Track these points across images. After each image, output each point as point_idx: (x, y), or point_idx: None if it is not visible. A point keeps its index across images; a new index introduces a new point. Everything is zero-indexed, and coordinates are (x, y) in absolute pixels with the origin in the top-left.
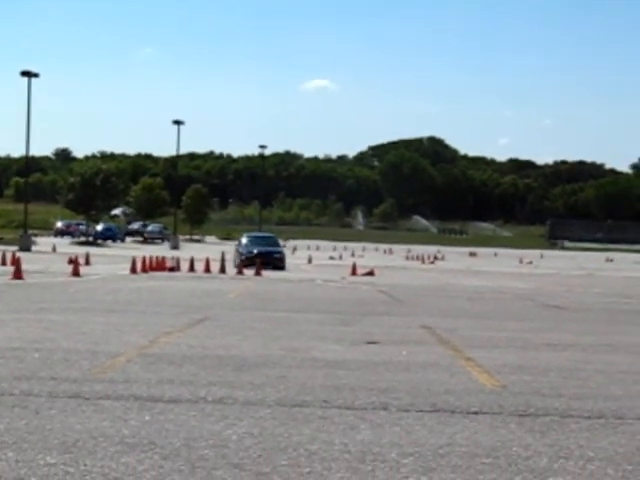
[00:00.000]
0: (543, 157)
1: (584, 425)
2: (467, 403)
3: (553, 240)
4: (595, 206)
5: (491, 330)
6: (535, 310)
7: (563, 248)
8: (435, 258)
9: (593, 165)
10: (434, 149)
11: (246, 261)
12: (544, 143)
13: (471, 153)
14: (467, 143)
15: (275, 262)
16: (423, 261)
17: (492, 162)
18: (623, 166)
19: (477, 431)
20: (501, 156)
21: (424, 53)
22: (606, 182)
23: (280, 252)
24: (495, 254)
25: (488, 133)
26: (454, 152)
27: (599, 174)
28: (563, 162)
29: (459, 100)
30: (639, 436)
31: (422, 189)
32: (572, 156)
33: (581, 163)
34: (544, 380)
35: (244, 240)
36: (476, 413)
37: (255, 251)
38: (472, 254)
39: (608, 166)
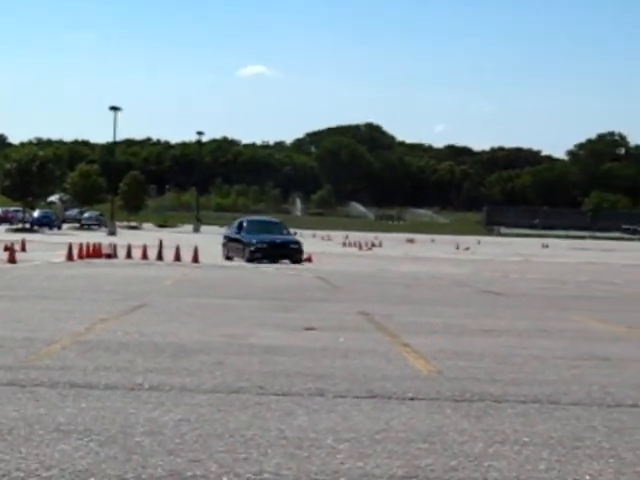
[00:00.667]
0: (480, 144)
1: (519, 410)
2: (403, 389)
3: (490, 226)
4: (531, 192)
5: (428, 316)
6: (471, 296)
7: (500, 234)
8: (373, 244)
9: (530, 152)
10: (371, 135)
11: (257, 253)
12: (481, 130)
13: (408, 140)
14: (404, 130)
15: (292, 254)
16: (361, 247)
17: (429, 149)
18: (559, 153)
19: (413, 417)
20: (438, 143)
21: (361, 39)
22: (542, 169)
23: (298, 242)
24: (432, 240)
25: (425, 120)
26: (391, 138)
27: (535, 161)
28: (500, 149)
29: (396, 86)
30: (574, 420)
31: (359, 175)
32: (509, 143)
33: (518, 150)
34: (480, 366)
35: (245, 225)
36: (412, 399)
37: (267, 241)
38: (409, 240)
39: (544, 153)
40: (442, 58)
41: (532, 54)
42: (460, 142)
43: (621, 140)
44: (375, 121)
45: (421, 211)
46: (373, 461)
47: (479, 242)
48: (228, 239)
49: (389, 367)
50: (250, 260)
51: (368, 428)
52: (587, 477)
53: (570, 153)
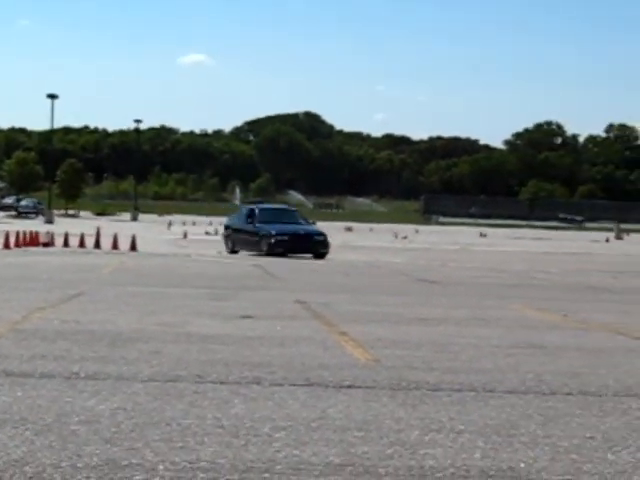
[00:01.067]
0: (418, 133)
1: (455, 398)
2: (340, 377)
3: (428, 215)
4: (469, 181)
5: (366, 305)
6: (410, 285)
7: (438, 223)
8: None
9: (467, 141)
10: (310, 124)
11: (277, 246)
12: (419, 119)
13: (347, 128)
14: (343, 118)
15: (316, 248)
16: None
17: (368, 137)
18: (497, 142)
19: (350, 405)
20: (377, 132)
21: (299, 27)
22: (480, 158)
23: (323, 234)
24: (371, 229)
25: (364, 108)
26: (330, 127)
27: (473, 150)
28: (438, 138)
29: (334, 75)
30: (509, 409)
31: (298, 164)
32: (447, 132)
33: (456, 139)
34: (417, 354)
35: (258, 214)
36: (349, 387)
37: (289, 232)
38: (348, 229)
39: (482, 142)
40: (380, 47)
41: (469, 43)
42: (399, 131)
43: (558, 129)
44: (314, 110)
45: (360, 200)
46: (309, 449)
47: (417, 231)
48: (233, 230)
49: (326, 355)
50: (269, 254)
51: (304, 416)
52: (522, 465)
53: (507, 142)
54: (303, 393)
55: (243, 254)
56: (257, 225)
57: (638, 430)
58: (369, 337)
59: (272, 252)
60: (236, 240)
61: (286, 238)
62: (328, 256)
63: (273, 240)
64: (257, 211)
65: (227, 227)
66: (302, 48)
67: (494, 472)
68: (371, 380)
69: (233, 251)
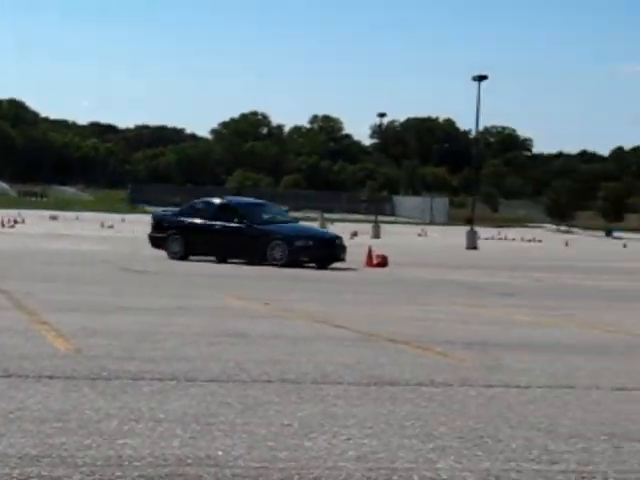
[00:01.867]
0: (125, 121)
1: (156, 387)
2: (40, 367)
3: (134, 204)
4: (176, 170)
5: (70, 294)
6: (115, 274)
7: (144, 212)
8: (15, 222)
9: (174, 130)
10: (15, 111)
11: (300, 254)
12: (126, 107)
13: (53, 116)
14: (49, 105)
15: (339, 253)
16: (3, 225)
17: (74, 125)
18: (203, 131)
19: (49, 395)
20: (83, 119)
21: (8, 10)
22: (186, 147)
23: (339, 237)
24: (77, 218)
25: (70, 95)
26: (35, 114)
27: (180, 139)
28: (145, 127)
29: (40, 60)
30: (209, 397)
31: (2, 152)
32: (153, 121)
33: (162, 128)
34: (119, 343)
35: (242, 210)
36: (49, 377)
37: (310, 235)
38: (53, 217)
39: (189, 131)
40: (88, 32)
41: (183, 30)
42: (105, 119)
43: (264, 119)
44: (18, 96)
45: (65, 188)
46: (6, 441)
47: (123, 220)
48: (188, 229)
49: (27, 346)
50: (289, 264)
51: (2, 407)
52: (220, 453)
53: (214, 131)
54: (2, 384)
55: (197, 260)
56: (258, 227)
57: (334, 416)
58: (71, 327)
59: (292, 261)
60: (200, 242)
61: (310, 243)
62: (34, 245)
63: (294, 246)
64: (240, 206)
65: (170, 225)
66: (6, 31)
67: (192, 460)
68: (71, 370)
69: (183, 257)
